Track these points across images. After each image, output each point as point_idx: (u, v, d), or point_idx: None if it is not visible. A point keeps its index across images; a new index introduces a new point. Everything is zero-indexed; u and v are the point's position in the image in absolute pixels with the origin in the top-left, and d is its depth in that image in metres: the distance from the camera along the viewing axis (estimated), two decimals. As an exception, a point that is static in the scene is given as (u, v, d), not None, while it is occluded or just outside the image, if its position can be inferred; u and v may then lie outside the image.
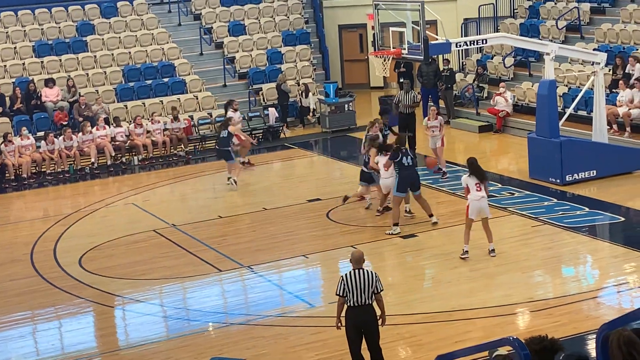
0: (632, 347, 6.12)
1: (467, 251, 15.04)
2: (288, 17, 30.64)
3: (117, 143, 24.00)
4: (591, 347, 6.51)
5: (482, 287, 14.12)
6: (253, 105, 27.22)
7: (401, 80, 24.81)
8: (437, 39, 18.83)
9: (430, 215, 16.97)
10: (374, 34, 19.86)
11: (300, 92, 27.29)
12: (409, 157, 16.63)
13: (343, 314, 10.89)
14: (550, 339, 6.53)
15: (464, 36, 26.78)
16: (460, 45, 19.86)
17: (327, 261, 15.96)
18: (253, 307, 14.32)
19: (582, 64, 23.84)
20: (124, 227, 18.42)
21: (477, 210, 14.90)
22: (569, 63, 24.66)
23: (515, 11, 29.37)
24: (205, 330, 13.52)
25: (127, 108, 25.74)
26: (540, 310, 13.03)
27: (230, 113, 22.76)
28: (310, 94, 27.06)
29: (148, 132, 24.49)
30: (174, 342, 13.07)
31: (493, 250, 15.13)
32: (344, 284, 10.75)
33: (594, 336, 6.24)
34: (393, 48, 18.87)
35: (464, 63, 28.55)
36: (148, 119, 24.98)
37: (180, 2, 30.04)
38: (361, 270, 10.84)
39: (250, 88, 27.75)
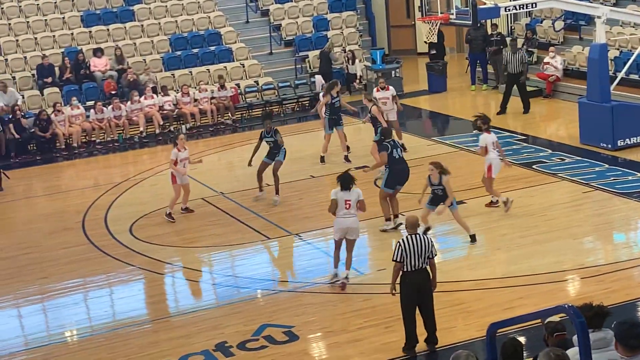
0: None
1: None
2: (334, -16, 30.41)
3: (165, 112, 24.12)
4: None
5: (532, 253, 14.00)
6: (299, 73, 27.17)
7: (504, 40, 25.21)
8: (485, 3, 18.58)
9: (396, 217, 15.44)
10: (421, 0, 19.65)
11: (346, 59, 27.15)
12: (399, 149, 15.52)
13: (397, 280, 10.90)
14: (598, 305, 6.57)
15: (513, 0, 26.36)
16: (509, 10, 19.57)
17: (374, 228, 15.90)
18: (302, 275, 14.38)
19: (634, 26, 23.38)
20: (173, 196, 18.52)
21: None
22: (621, 26, 24.19)
23: (565, -26, 28.83)
24: (255, 298, 13.60)
25: (174, 77, 25.83)
26: (592, 277, 12.91)
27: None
28: (356, 60, 26.90)
29: (195, 100, 24.57)
30: (224, 309, 13.16)
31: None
32: (402, 249, 10.77)
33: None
34: (441, 13, 18.67)
35: (513, 27, 28.17)
36: (195, 88, 25.06)
37: (226, -30, 29.91)
38: (417, 235, 10.90)
39: (297, 55, 27.68)
